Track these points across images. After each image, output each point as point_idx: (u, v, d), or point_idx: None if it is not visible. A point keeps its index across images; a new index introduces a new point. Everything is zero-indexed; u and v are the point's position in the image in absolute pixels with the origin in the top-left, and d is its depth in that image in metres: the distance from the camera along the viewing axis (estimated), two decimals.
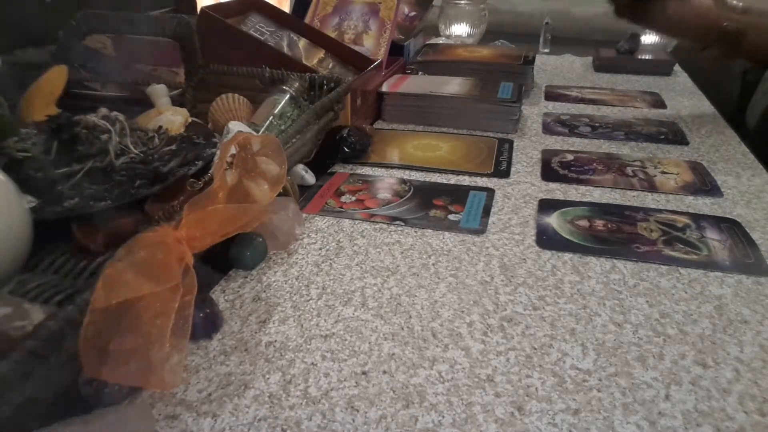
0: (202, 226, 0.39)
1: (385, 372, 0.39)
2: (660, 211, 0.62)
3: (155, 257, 0.35)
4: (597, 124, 0.90)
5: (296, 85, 0.71)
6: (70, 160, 0.52)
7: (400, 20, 1.15)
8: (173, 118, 0.64)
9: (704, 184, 0.69)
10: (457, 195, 0.65)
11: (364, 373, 0.39)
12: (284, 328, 0.43)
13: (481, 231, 0.58)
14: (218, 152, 0.55)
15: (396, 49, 1.07)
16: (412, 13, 1.19)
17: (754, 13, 0.83)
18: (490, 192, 0.66)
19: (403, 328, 0.43)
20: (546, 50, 1.42)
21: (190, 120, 0.65)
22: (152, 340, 0.33)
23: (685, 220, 0.60)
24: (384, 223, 0.59)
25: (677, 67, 1.24)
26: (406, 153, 0.78)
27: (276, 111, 0.68)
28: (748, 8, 0.83)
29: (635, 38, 1.27)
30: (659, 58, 1.24)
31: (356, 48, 0.94)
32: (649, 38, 1.34)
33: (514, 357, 0.41)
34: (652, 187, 0.68)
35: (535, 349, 0.41)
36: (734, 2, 0.83)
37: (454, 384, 0.38)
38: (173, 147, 0.56)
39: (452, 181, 0.69)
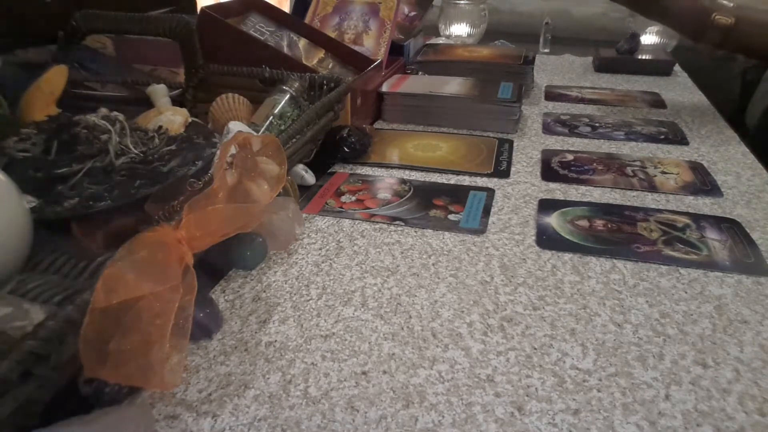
0: (202, 226, 0.39)
1: (385, 372, 0.39)
2: (660, 211, 0.62)
3: (155, 257, 0.35)
4: (597, 124, 0.90)
5: (296, 85, 0.71)
6: (70, 160, 0.51)
7: (400, 20, 1.15)
8: (173, 118, 0.63)
9: (704, 184, 0.69)
10: (457, 195, 0.65)
11: (364, 373, 0.39)
12: (284, 328, 0.43)
13: (481, 231, 0.58)
14: (218, 152, 0.55)
15: (396, 49, 1.07)
16: (412, 13, 1.19)
17: (745, 7, 0.84)
18: (490, 192, 0.66)
19: (403, 328, 0.43)
20: (546, 50, 1.42)
21: (190, 120, 0.65)
22: (152, 340, 0.33)
23: (685, 220, 0.60)
24: (384, 223, 0.59)
25: (677, 67, 1.24)
26: (406, 153, 0.78)
27: (276, 111, 0.68)
28: (739, 3, 0.84)
29: (635, 38, 1.26)
30: (659, 58, 1.24)
31: (356, 48, 0.94)
32: (649, 38, 1.34)
33: (514, 357, 0.41)
34: (652, 187, 0.68)
35: (535, 349, 0.41)
36: (725, 1, 0.84)
37: (454, 384, 0.38)
38: (173, 147, 0.56)
39: (452, 181, 0.69)
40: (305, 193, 0.65)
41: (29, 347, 0.29)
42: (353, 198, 0.65)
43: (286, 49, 0.87)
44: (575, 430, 0.35)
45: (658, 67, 1.22)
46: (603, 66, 1.25)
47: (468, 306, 0.46)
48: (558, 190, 0.67)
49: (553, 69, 1.26)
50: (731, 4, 0.83)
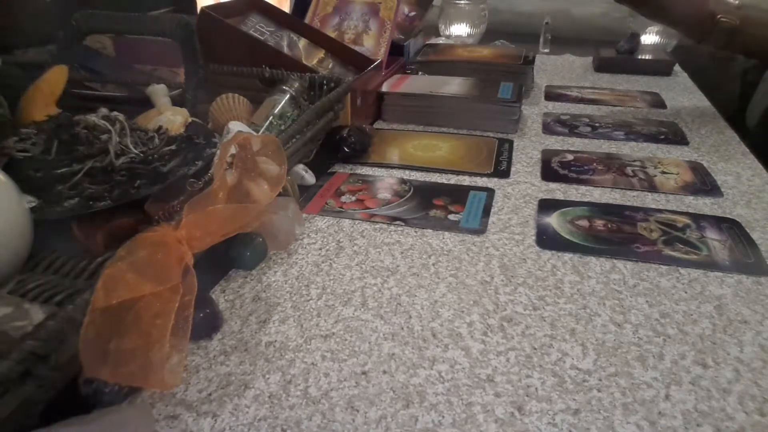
0: (202, 226, 0.39)
1: (385, 372, 0.39)
2: (660, 211, 0.62)
3: (155, 257, 0.35)
4: (597, 124, 0.90)
5: (296, 85, 0.71)
6: (70, 160, 0.51)
7: (400, 20, 1.15)
8: (173, 118, 0.63)
9: (704, 184, 0.69)
10: (457, 195, 0.65)
11: (364, 373, 0.39)
12: (284, 328, 0.43)
13: (481, 231, 0.58)
14: (218, 152, 0.55)
15: (396, 49, 1.07)
16: (412, 13, 1.19)
17: (749, 7, 0.83)
18: (490, 192, 0.66)
19: (403, 328, 0.43)
20: (546, 50, 1.42)
21: (190, 120, 0.65)
22: (152, 340, 0.33)
23: (685, 220, 0.60)
24: (384, 223, 0.59)
25: (677, 67, 1.24)
26: (406, 153, 0.78)
27: (276, 111, 0.68)
28: (743, 3, 0.84)
29: (635, 38, 1.26)
30: (659, 58, 1.24)
31: (356, 48, 0.94)
32: (649, 38, 1.34)
33: (514, 357, 0.41)
34: (652, 187, 0.68)
35: (535, 349, 0.41)
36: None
37: (454, 384, 0.38)
38: (173, 147, 0.56)
39: (452, 181, 0.69)
40: (305, 193, 0.65)
41: (29, 347, 0.29)
42: (353, 198, 0.65)
43: (286, 49, 0.87)
44: (575, 430, 0.35)
45: (658, 67, 1.22)
46: (603, 66, 1.25)
47: (468, 306, 0.46)
48: (558, 190, 0.67)
49: (553, 69, 1.26)
50: (736, 2, 0.83)
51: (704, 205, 0.64)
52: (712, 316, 0.45)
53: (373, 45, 0.97)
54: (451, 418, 0.35)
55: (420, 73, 1.07)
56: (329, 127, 0.73)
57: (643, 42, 1.30)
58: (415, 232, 0.58)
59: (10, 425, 0.30)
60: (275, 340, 0.42)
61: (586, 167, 0.73)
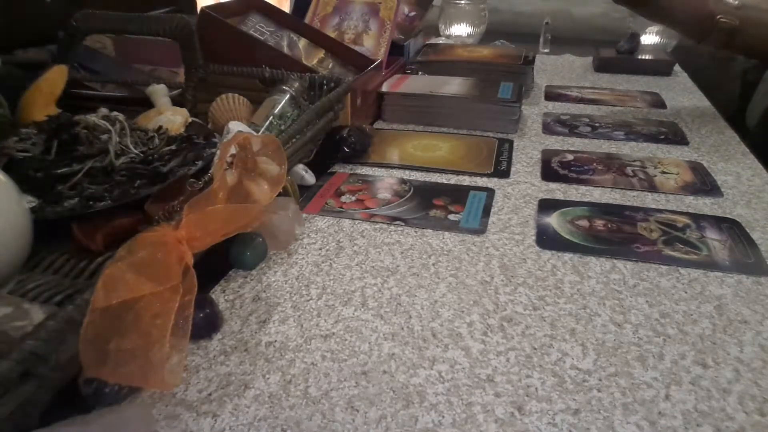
0: (202, 226, 0.39)
1: (385, 372, 0.39)
2: (660, 211, 0.62)
3: (155, 257, 0.35)
4: (597, 124, 0.90)
5: (296, 85, 0.71)
6: (70, 160, 0.51)
7: (400, 20, 1.15)
8: (173, 118, 0.63)
9: (704, 184, 0.69)
10: (457, 195, 0.65)
11: (364, 373, 0.39)
12: (284, 328, 0.43)
13: (481, 231, 0.58)
14: (218, 152, 0.55)
15: (396, 49, 1.07)
16: (412, 13, 1.19)
17: (749, 7, 0.83)
18: (490, 192, 0.66)
19: (403, 328, 0.43)
20: (546, 50, 1.42)
21: (190, 120, 0.65)
22: (152, 340, 0.33)
23: (685, 220, 0.60)
24: (384, 223, 0.59)
25: (677, 67, 1.24)
26: (406, 153, 0.78)
27: (276, 111, 0.68)
28: (743, 3, 0.84)
29: (635, 38, 1.26)
30: (659, 58, 1.24)
31: (356, 48, 0.94)
32: (649, 38, 1.34)
33: (514, 357, 0.41)
34: (652, 187, 0.68)
35: (535, 349, 0.41)
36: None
37: (454, 384, 0.38)
38: (173, 147, 0.56)
39: (452, 181, 0.69)
40: (305, 193, 0.65)
41: (29, 347, 0.29)
42: (353, 198, 0.65)
43: (286, 49, 0.87)
44: (575, 430, 0.35)
45: (658, 67, 1.22)
46: (603, 66, 1.25)
47: (468, 306, 0.46)
48: (558, 190, 0.67)
49: (553, 69, 1.26)
50: (736, 2, 0.83)
51: (704, 205, 0.64)
52: (712, 316, 0.45)
53: (373, 45, 0.97)
54: (451, 418, 0.35)
55: (420, 73, 1.07)
56: (329, 127, 0.73)
57: (643, 42, 1.30)
58: (415, 232, 0.58)
59: (10, 425, 0.30)
60: (275, 340, 0.42)
61: (586, 167, 0.73)
